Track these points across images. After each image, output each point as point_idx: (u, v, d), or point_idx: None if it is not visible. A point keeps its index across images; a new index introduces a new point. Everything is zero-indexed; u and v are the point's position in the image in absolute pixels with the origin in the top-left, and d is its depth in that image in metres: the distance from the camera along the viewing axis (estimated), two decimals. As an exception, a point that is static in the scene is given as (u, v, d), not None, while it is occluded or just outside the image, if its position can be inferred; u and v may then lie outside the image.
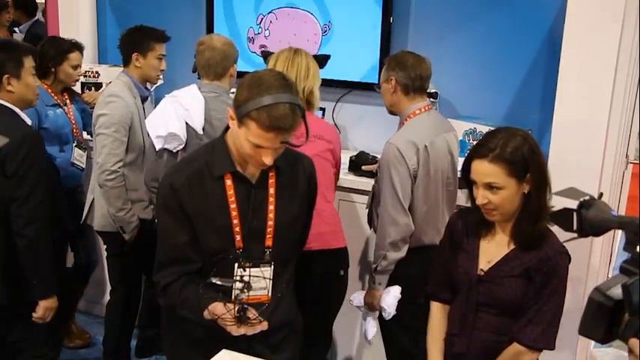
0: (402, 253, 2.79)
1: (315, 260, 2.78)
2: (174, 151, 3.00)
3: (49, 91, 3.45)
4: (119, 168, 3.19)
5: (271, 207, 2.12)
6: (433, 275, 2.36)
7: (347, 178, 3.49)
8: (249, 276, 2.02)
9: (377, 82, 3.71)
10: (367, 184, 3.37)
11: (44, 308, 2.68)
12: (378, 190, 2.86)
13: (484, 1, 3.58)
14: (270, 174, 2.13)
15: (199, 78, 3.20)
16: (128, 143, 3.25)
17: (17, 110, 2.70)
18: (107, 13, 4.58)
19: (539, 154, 2.10)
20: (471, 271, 2.18)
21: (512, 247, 2.14)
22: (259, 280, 2.09)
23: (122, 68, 3.46)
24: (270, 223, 2.12)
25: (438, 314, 2.34)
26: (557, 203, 1.84)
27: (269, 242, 2.13)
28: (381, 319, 2.95)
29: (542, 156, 2.12)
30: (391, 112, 2.97)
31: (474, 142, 3.40)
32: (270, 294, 2.11)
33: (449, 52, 3.60)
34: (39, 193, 2.59)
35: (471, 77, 3.67)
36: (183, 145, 2.99)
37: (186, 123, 2.98)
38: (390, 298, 2.82)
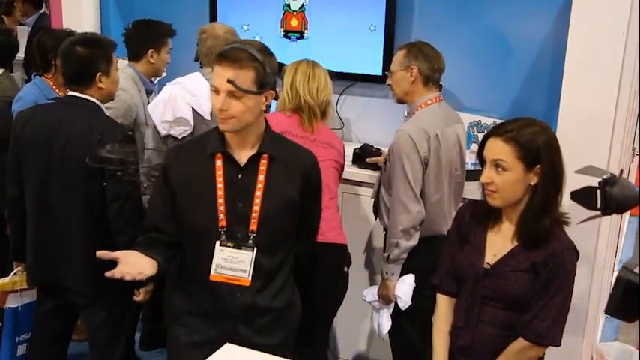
0: (413, 240, 2.79)
1: (319, 255, 2.78)
2: (180, 137, 2.99)
3: (51, 83, 3.43)
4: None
5: (258, 193, 2.16)
6: (440, 267, 2.35)
7: (351, 171, 3.47)
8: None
9: (381, 75, 3.72)
10: (371, 176, 3.37)
11: (145, 292, 2.74)
12: (388, 179, 2.85)
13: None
14: (262, 161, 2.17)
15: (201, 67, 3.18)
16: (134, 137, 3.24)
17: (103, 108, 2.74)
18: (110, 6, 4.57)
19: (555, 151, 2.07)
20: (477, 264, 2.16)
21: (519, 241, 2.13)
22: (239, 262, 2.15)
23: (127, 61, 3.45)
24: (256, 208, 2.16)
25: (443, 306, 2.32)
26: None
27: (253, 227, 2.16)
28: (386, 312, 2.95)
29: (560, 154, 2.09)
30: (400, 101, 2.98)
31: (478, 134, 3.42)
32: (250, 278, 2.16)
33: (453, 44, 3.57)
34: (138, 192, 2.64)
35: (475, 69, 3.65)
36: (191, 131, 2.98)
37: (193, 109, 2.97)
38: (406, 286, 2.83)
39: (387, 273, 2.86)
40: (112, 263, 2.07)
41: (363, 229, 3.51)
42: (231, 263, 2.15)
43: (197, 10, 4.21)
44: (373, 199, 3.10)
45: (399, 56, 2.91)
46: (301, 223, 2.31)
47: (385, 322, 2.96)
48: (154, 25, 3.42)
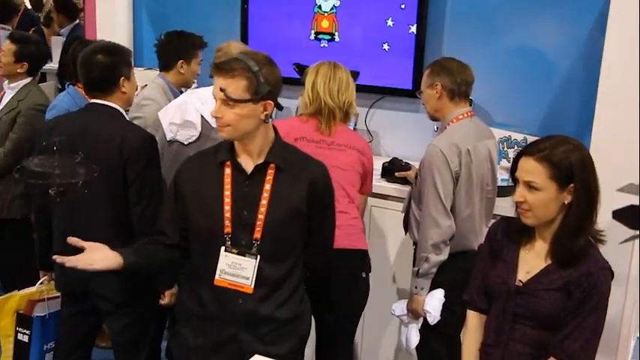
0: (443, 255, 2.78)
1: (334, 261, 2.76)
2: (186, 143, 2.99)
3: (83, 93, 3.45)
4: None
5: (264, 202, 2.19)
6: (471, 283, 2.33)
7: (379, 185, 3.47)
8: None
9: (411, 89, 3.73)
10: (400, 190, 3.36)
11: (170, 295, 2.81)
12: (419, 193, 2.84)
13: (520, 8, 3.55)
14: (269, 170, 2.20)
15: None
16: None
17: (124, 113, 2.79)
18: (143, 17, 4.62)
19: (590, 169, 2.04)
20: (509, 281, 2.14)
21: (553, 259, 2.10)
22: (243, 269, 2.18)
23: (157, 72, 3.48)
24: (261, 217, 2.19)
25: (473, 323, 2.30)
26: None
27: (257, 235, 2.19)
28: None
29: (594, 172, 2.06)
30: (433, 118, 2.99)
31: (508, 150, 3.40)
32: (252, 285, 2.19)
33: (483, 58, 3.56)
34: (160, 194, 2.67)
35: (506, 84, 3.64)
36: (197, 137, 2.99)
37: (202, 116, 2.99)
38: (435, 301, 2.81)
39: (416, 287, 2.85)
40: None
41: (391, 243, 3.50)
42: (235, 269, 2.19)
43: (229, 22, 4.26)
44: (403, 214, 3.08)
45: (424, 76, 2.95)
46: (311, 235, 2.32)
47: (413, 337, 2.94)
48: (185, 37, 3.46)
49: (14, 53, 3.70)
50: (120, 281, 2.69)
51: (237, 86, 2.08)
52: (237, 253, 2.19)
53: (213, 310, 2.25)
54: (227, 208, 2.19)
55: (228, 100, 2.09)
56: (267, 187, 2.19)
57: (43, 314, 3.09)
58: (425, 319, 2.87)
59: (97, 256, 2.15)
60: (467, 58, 2.97)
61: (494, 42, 3.63)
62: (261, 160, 2.20)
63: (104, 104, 2.74)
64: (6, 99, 3.76)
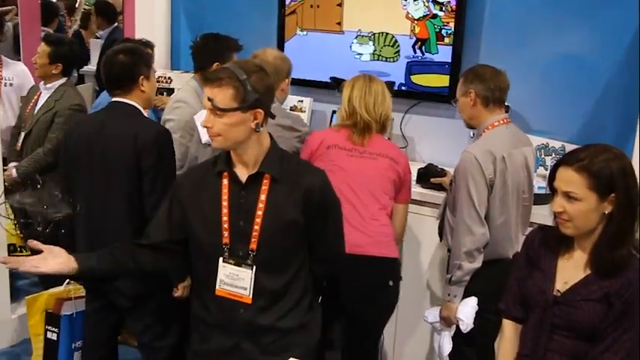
0: (477, 263, 2.76)
1: (359, 268, 2.78)
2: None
3: (108, 87, 3.49)
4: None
5: (259, 212, 2.17)
6: (507, 292, 2.29)
7: (414, 190, 3.44)
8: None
9: (447, 94, 3.71)
10: (435, 196, 3.34)
11: (182, 287, 2.85)
12: (453, 200, 2.82)
13: (559, 13, 3.52)
14: (265, 181, 2.19)
15: None
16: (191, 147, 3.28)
17: (143, 111, 2.85)
18: (181, 20, 4.67)
19: (631, 178, 2.00)
20: (546, 291, 2.10)
21: (592, 269, 2.06)
22: (240, 279, 2.18)
23: (191, 74, 3.51)
24: (256, 227, 2.17)
25: (509, 332, 2.27)
26: None
27: (253, 246, 2.17)
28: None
29: (635, 181, 2.02)
30: (469, 126, 2.98)
31: (546, 158, 3.36)
32: (250, 296, 2.18)
33: (521, 65, 3.54)
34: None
35: (544, 90, 3.61)
36: None
37: None
38: (468, 309, 2.79)
39: (449, 295, 2.83)
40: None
41: (425, 249, 3.49)
42: (233, 280, 2.19)
43: (265, 26, 4.28)
44: (438, 220, 3.07)
45: (459, 84, 2.94)
46: (314, 245, 2.29)
47: (446, 345, 2.93)
48: (221, 39, 3.48)
49: (48, 55, 3.77)
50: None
51: (224, 95, 2.07)
52: (234, 264, 2.18)
53: (218, 318, 2.25)
54: (225, 218, 2.18)
55: (216, 110, 2.08)
56: (263, 197, 2.17)
57: (70, 313, 3.13)
58: (458, 327, 2.85)
59: (48, 260, 2.12)
60: (504, 64, 2.95)
61: (533, 48, 3.60)
62: (254, 171, 2.18)
63: (123, 102, 2.82)
64: (42, 100, 3.83)
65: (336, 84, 3.15)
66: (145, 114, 2.90)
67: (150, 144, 2.68)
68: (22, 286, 4.45)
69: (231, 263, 2.18)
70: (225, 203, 2.18)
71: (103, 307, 2.96)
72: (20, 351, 3.89)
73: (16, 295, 4.08)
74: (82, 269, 2.16)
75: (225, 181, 2.20)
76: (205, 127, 2.13)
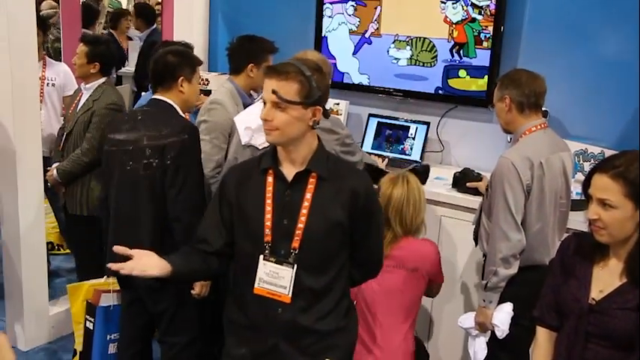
0: (513, 269, 2.74)
1: None
2: (260, 147, 3.01)
3: (152, 83, 3.52)
4: (217, 173, 3.23)
5: (304, 211, 2.16)
6: (541, 299, 2.27)
7: (450, 195, 3.45)
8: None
9: (484, 98, 3.69)
10: (471, 201, 3.32)
11: (201, 285, 2.87)
12: (489, 205, 2.81)
13: (600, 17, 3.47)
14: (311, 179, 2.18)
15: None
16: (227, 149, 3.30)
17: (178, 109, 2.91)
18: (219, 23, 4.72)
19: None
20: (582, 299, 2.07)
21: (628, 278, 2.02)
22: (280, 278, 2.17)
23: (227, 76, 3.54)
24: (300, 226, 2.16)
25: (543, 340, 2.24)
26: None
27: (295, 244, 2.16)
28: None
29: None
30: (506, 131, 2.95)
31: (584, 163, 3.32)
32: (290, 295, 2.17)
33: (560, 69, 3.51)
34: (194, 181, 2.78)
35: (583, 95, 3.57)
36: None
37: None
38: (503, 315, 2.77)
39: (484, 300, 2.81)
40: None
41: (460, 254, 3.47)
42: (273, 278, 2.17)
43: (303, 28, 4.30)
44: (474, 225, 3.04)
45: (495, 89, 2.91)
46: (356, 247, 2.28)
47: (481, 350, 2.91)
48: (256, 41, 3.49)
49: (86, 54, 3.81)
50: None
51: (289, 89, 2.07)
52: (275, 262, 2.17)
53: (255, 319, 2.23)
54: (268, 216, 2.17)
55: (279, 103, 2.07)
56: (308, 196, 2.17)
57: (107, 305, 3.20)
58: (493, 333, 2.83)
59: (149, 262, 2.15)
60: (543, 68, 2.92)
61: (572, 52, 3.55)
62: (302, 168, 2.18)
63: (161, 99, 2.89)
64: (83, 100, 3.87)
65: (369, 171, 3.13)
66: (182, 114, 2.93)
67: (175, 136, 2.73)
68: (59, 284, 4.54)
69: (271, 261, 2.17)
70: (269, 201, 2.18)
71: (137, 300, 3.00)
72: (57, 347, 3.96)
73: (53, 293, 4.16)
74: (174, 271, 2.17)
75: (270, 179, 2.20)
76: (265, 120, 2.11)
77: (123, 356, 3.15)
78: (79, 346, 3.43)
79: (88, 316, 3.32)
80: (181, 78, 2.87)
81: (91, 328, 3.29)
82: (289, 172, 2.19)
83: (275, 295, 2.18)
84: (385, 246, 2.75)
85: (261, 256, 2.18)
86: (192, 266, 2.27)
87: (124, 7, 8.16)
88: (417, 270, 2.85)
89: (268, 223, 2.17)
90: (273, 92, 2.07)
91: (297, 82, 2.08)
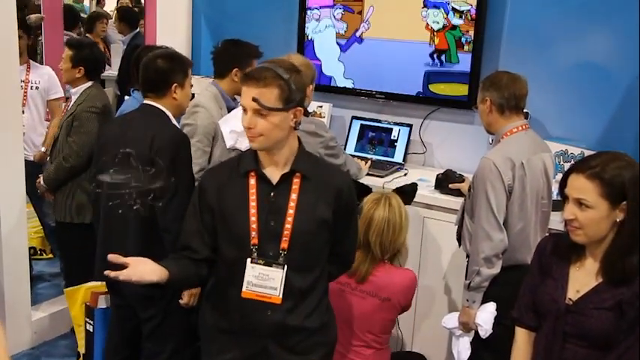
0: (495, 269, 2.76)
1: None
2: (245, 150, 3.02)
3: (142, 90, 3.50)
4: (200, 177, 3.23)
5: (291, 211, 2.17)
6: (519, 300, 2.28)
7: (433, 196, 3.47)
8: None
9: (466, 100, 3.72)
10: (454, 202, 3.34)
11: (189, 295, 2.85)
12: (472, 206, 2.83)
13: (579, 20, 3.50)
14: (295, 180, 2.18)
15: None
16: (211, 153, 3.30)
17: (170, 115, 2.88)
18: (202, 26, 4.71)
19: None
20: (558, 299, 2.08)
21: (604, 277, 2.04)
22: (270, 280, 2.16)
23: (211, 80, 3.54)
24: (288, 226, 2.16)
25: (522, 341, 2.25)
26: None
27: (284, 245, 2.16)
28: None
29: None
30: (489, 132, 2.98)
31: (565, 164, 3.35)
32: (280, 296, 2.16)
33: (541, 72, 3.54)
34: (185, 191, 2.72)
35: (564, 98, 3.60)
36: None
37: None
38: (486, 314, 2.79)
39: (467, 300, 2.84)
40: None
41: (444, 255, 3.49)
42: (262, 281, 2.16)
43: (285, 32, 4.30)
44: (457, 226, 3.07)
45: (479, 90, 2.94)
46: (336, 243, 2.30)
47: (464, 350, 2.93)
48: (241, 45, 3.49)
49: (71, 58, 3.78)
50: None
51: (270, 95, 2.07)
52: (264, 264, 2.16)
53: (241, 324, 2.22)
54: (253, 219, 2.16)
55: (261, 110, 2.07)
56: (294, 196, 2.17)
57: (105, 307, 3.20)
58: (476, 333, 2.85)
59: (146, 269, 2.11)
60: (524, 70, 2.95)
61: (552, 55, 3.58)
62: (286, 170, 2.18)
63: (153, 105, 2.85)
64: (70, 104, 3.86)
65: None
66: (174, 120, 2.91)
67: (165, 146, 2.70)
68: (41, 289, 4.50)
69: (260, 264, 2.16)
70: (253, 203, 2.17)
71: (123, 306, 2.99)
72: (40, 353, 3.93)
73: (35, 298, 4.13)
74: (171, 277, 2.14)
75: (252, 181, 2.20)
76: (247, 128, 2.11)
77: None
78: (81, 349, 3.46)
79: (87, 319, 3.33)
80: (174, 85, 2.84)
81: (91, 330, 3.29)
82: (273, 173, 2.19)
83: (265, 298, 2.17)
84: (365, 269, 2.79)
85: (249, 259, 2.17)
86: (187, 272, 2.23)
87: (92, 10, 8.12)
88: (390, 300, 2.81)
89: (254, 226, 2.17)
90: (254, 100, 2.07)
91: (277, 87, 2.07)
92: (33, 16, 4.74)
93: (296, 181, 2.19)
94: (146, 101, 2.88)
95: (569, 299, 2.07)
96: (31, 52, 4.74)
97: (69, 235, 3.85)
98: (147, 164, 2.70)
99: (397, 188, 3.11)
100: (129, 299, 2.91)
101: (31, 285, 3.95)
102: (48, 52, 4.85)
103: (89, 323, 3.30)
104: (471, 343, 2.92)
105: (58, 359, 3.85)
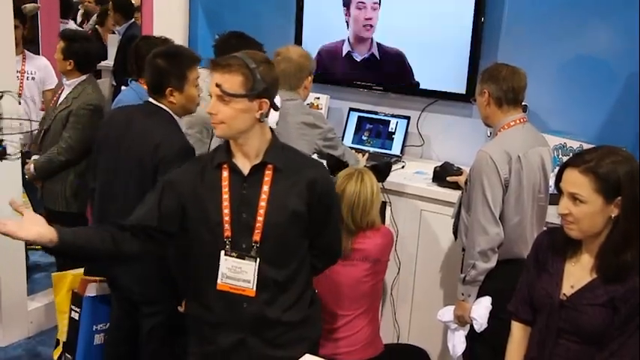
0: (491, 263, 2.76)
1: None
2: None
3: (146, 88, 3.48)
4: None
5: (263, 203, 2.15)
6: (516, 294, 2.28)
7: (431, 189, 3.46)
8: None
9: (464, 93, 3.70)
10: (451, 195, 3.33)
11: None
12: (468, 199, 2.82)
13: (579, 13, 3.48)
14: (267, 172, 2.17)
15: None
16: (210, 144, 3.29)
17: (176, 117, 2.83)
18: (199, 17, 4.68)
19: (638, 182, 1.95)
20: (553, 294, 2.08)
21: (598, 273, 2.04)
22: (243, 272, 2.15)
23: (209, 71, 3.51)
24: (260, 219, 2.15)
25: (518, 335, 2.25)
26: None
27: (257, 237, 2.16)
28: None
29: None
30: (487, 125, 2.97)
31: (564, 158, 3.35)
32: (254, 289, 2.16)
33: (540, 65, 3.51)
34: None
35: (563, 91, 3.58)
36: None
37: None
38: (481, 308, 2.79)
39: (462, 294, 2.83)
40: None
41: (440, 248, 3.48)
42: (236, 273, 2.16)
43: (283, 25, 4.28)
44: (453, 219, 3.06)
45: (477, 83, 2.93)
46: (315, 237, 2.29)
47: (459, 344, 2.92)
48: (245, 39, 3.44)
49: (62, 50, 3.77)
50: (144, 272, 2.76)
51: (233, 82, 2.06)
52: (237, 257, 2.15)
53: (220, 316, 2.22)
54: (226, 211, 2.15)
55: (223, 96, 2.06)
56: (266, 188, 2.16)
57: (93, 295, 3.17)
58: (471, 327, 2.85)
59: (26, 226, 1.97)
60: (522, 63, 2.93)
61: (551, 47, 3.56)
62: (258, 161, 2.17)
63: (157, 105, 2.80)
64: (63, 96, 3.84)
65: (328, 164, 3.15)
66: (178, 119, 2.85)
67: (169, 159, 2.64)
68: (37, 279, 4.50)
69: (233, 256, 2.16)
70: (225, 196, 2.16)
71: (122, 300, 2.99)
72: (36, 342, 3.94)
73: (31, 288, 4.14)
74: (61, 242, 2.01)
75: (225, 173, 2.18)
76: (210, 113, 2.11)
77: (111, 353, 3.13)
78: (62, 336, 3.40)
79: (73, 306, 3.28)
80: (169, 89, 2.77)
81: (77, 318, 3.26)
82: (244, 165, 2.18)
83: (239, 290, 2.17)
84: (346, 240, 2.82)
85: (222, 252, 2.17)
86: (91, 241, 2.11)
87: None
88: (379, 260, 2.95)
89: (227, 218, 2.16)
90: (217, 85, 2.07)
91: (241, 74, 2.07)
92: (28, 6, 4.72)
93: (268, 173, 2.17)
94: (150, 99, 2.83)
95: (564, 294, 2.06)
96: (26, 42, 4.72)
97: (60, 224, 3.83)
98: (148, 172, 2.66)
99: (372, 165, 3.12)
100: (127, 293, 2.91)
101: (27, 275, 3.95)
102: (44, 42, 4.83)
103: (75, 311, 3.25)
104: (466, 336, 2.92)
105: (54, 348, 3.84)
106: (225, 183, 2.17)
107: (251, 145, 2.16)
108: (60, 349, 3.43)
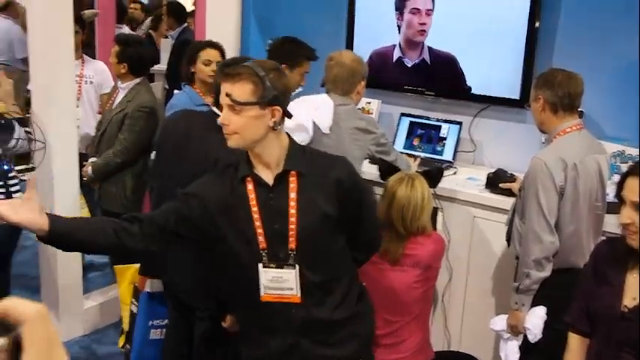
0: (546, 272, 2.71)
1: None
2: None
3: (198, 91, 3.48)
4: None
5: (292, 211, 2.13)
6: (574, 304, 2.24)
7: (484, 196, 3.42)
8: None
9: (518, 99, 3.66)
10: (504, 202, 3.29)
11: (230, 320, 2.75)
12: (522, 206, 2.78)
13: (637, 18, 3.38)
14: (291, 179, 2.15)
15: (327, 92, 3.17)
16: None
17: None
18: (252, 22, 4.72)
19: None
20: (614, 306, 2.04)
21: None
22: (285, 281, 2.15)
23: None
24: (292, 227, 2.13)
25: (575, 346, 2.21)
26: None
27: (292, 245, 2.14)
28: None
29: None
30: (542, 131, 2.94)
31: (622, 165, 3.27)
32: (299, 295, 2.16)
33: (596, 70, 3.44)
34: None
35: (621, 96, 3.49)
36: (308, 141, 2.98)
37: (314, 122, 3.00)
38: (536, 318, 2.75)
39: (516, 303, 2.79)
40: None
41: (493, 255, 3.44)
42: (278, 283, 2.15)
43: (334, 30, 4.29)
44: (507, 226, 3.02)
45: (532, 88, 2.89)
46: (354, 235, 2.27)
47: (513, 354, 2.88)
48: (298, 44, 3.43)
49: (117, 54, 3.84)
50: (194, 274, 2.78)
51: (243, 90, 2.04)
52: (276, 267, 2.14)
53: (269, 322, 2.22)
54: (257, 223, 2.14)
55: (234, 105, 2.04)
56: (293, 195, 2.14)
57: (152, 291, 3.22)
58: (525, 337, 2.80)
59: (19, 209, 1.91)
60: (577, 67, 2.88)
61: (609, 51, 3.49)
62: (279, 170, 2.14)
63: (213, 110, 2.77)
64: (118, 99, 3.92)
65: (381, 171, 3.15)
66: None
67: None
68: (93, 278, 4.60)
69: (272, 267, 2.15)
70: (255, 208, 2.14)
71: (178, 304, 3.00)
72: (91, 341, 4.02)
73: (87, 287, 4.22)
74: (52, 231, 1.96)
75: (250, 186, 2.16)
76: (222, 124, 2.09)
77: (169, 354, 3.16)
78: (126, 326, 3.47)
79: (133, 300, 3.35)
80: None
81: (135, 311, 3.33)
82: (267, 176, 2.16)
83: (284, 299, 2.16)
84: (397, 245, 2.85)
85: (260, 264, 2.16)
86: (94, 233, 2.07)
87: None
88: (431, 267, 2.92)
89: (260, 231, 2.14)
90: (227, 95, 2.05)
91: (251, 82, 2.04)
92: (88, 12, 4.84)
93: (292, 180, 2.15)
94: (213, 108, 2.76)
95: (625, 306, 2.02)
96: (84, 47, 4.84)
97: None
98: None
99: (423, 171, 3.10)
100: (179, 295, 2.94)
101: (82, 274, 4.04)
102: (101, 47, 4.94)
103: (134, 304, 3.33)
104: (519, 347, 2.88)
105: (108, 346, 3.93)
106: (252, 196, 2.15)
107: (269, 155, 2.14)
108: (124, 338, 3.50)
